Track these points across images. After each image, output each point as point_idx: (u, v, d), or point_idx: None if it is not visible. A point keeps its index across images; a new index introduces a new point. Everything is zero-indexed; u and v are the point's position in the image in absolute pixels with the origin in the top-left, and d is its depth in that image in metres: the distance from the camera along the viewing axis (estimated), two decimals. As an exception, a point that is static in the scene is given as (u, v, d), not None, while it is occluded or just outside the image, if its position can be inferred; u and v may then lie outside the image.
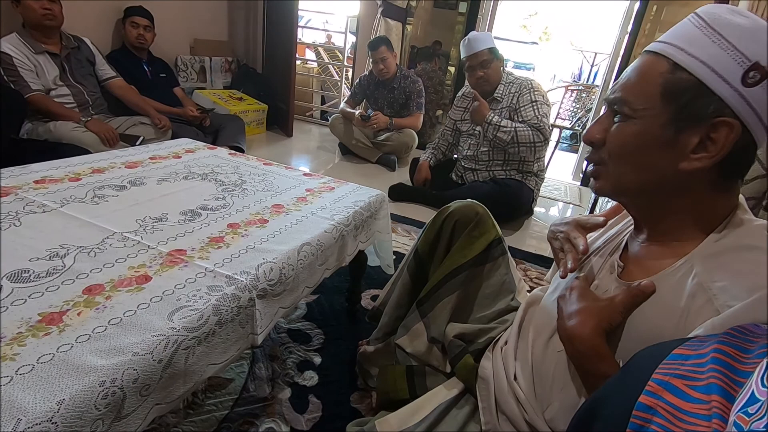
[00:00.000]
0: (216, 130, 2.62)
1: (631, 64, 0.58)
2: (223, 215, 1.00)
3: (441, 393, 0.76)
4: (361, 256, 1.26)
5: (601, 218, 0.72)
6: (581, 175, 3.27)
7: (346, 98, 3.21)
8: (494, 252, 0.88)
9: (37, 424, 0.47)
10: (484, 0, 3.18)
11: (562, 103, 4.63)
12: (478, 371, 0.75)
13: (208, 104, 2.97)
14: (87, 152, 1.63)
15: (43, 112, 1.94)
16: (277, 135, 3.49)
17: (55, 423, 0.48)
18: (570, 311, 0.60)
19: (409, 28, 3.41)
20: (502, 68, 2.24)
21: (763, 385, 0.29)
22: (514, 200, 2.21)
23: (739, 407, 0.29)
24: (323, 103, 4.42)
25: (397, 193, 2.42)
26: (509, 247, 0.93)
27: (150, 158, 1.31)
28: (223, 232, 0.92)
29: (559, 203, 2.85)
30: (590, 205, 2.26)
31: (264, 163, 1.42)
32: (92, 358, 0.55)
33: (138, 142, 2.05)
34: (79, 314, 0.62)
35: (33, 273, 0.70)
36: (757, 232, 0.53)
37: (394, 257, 1.43)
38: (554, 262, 0.79)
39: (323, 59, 4.49)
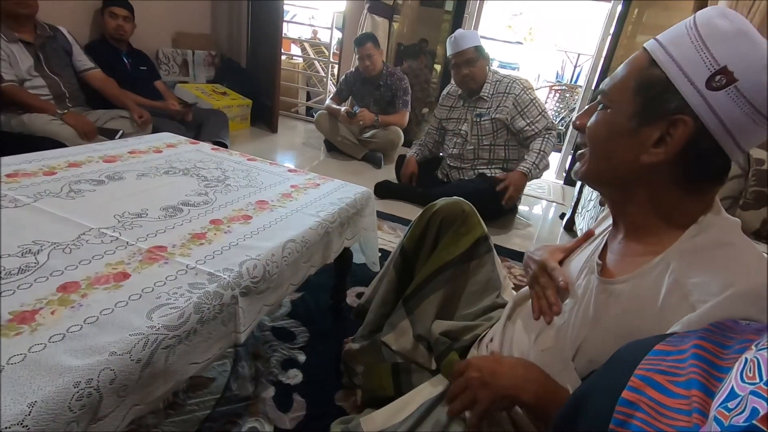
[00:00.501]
0: (198, 125, 2.56)
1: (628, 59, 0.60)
2: (206, 211, 0.98)
3: (426, 390, 0.76)
4: (346, 253, 1.25)
5: (571, 244, 0.75)
6: (564, 175, 3.31)
7: (331, 95, 3.19)
8: (480, 249, 0.88)
9: (7, 428, 0.45)
10: (470, -1, 3.19)
11: (546, 102, 4.69)
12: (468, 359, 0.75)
13: (190, 98, 2.91)
14: (63, 146, 1.58)
15: (17, 103, 1.87)
16: (261, 131, 3.44)
17: (27, 426, 0.46)
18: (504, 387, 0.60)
19: (395, 25, 3.40)
20: (487, 67, 2.25)
21: (742, 380, 0.29)
22: (500, 197, 2.22)
23: (719, 403, 0.30)
24: (309, 99, 4.38)
25: (383, 190, 2.42)
26: (494, 244, 0.94)
27: (129, 152, 1.28)
28: (206, 228, 0.90)
29: (542, 201, 2.88)
30: (572, 204, 2.30)
31: (248, 159, 1.40)
32: (66, 359, 0.53)
33: (117, 136, 1.99)
34: (52, 313, 0.60)
35: (4, 270, 0.67)
36: (732, 229, 0.55)
37: (380, 254, 1.43)
38: None
39: (309, 55, 4.44)
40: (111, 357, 0.55)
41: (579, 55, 6.23)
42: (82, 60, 2.19)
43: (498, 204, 2.24)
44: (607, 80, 0.60)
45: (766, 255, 0.53)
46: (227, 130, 2.69)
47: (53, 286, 0.66)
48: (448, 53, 2.24)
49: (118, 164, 1.17)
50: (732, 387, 0.30)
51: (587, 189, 2.10)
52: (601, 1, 5.61)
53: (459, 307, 0.87)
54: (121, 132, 2.06)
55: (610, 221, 0.70)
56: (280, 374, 1.10)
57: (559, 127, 4.75)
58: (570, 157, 3.27)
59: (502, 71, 2.40)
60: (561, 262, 0.73)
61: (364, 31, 3.13)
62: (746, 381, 0.29)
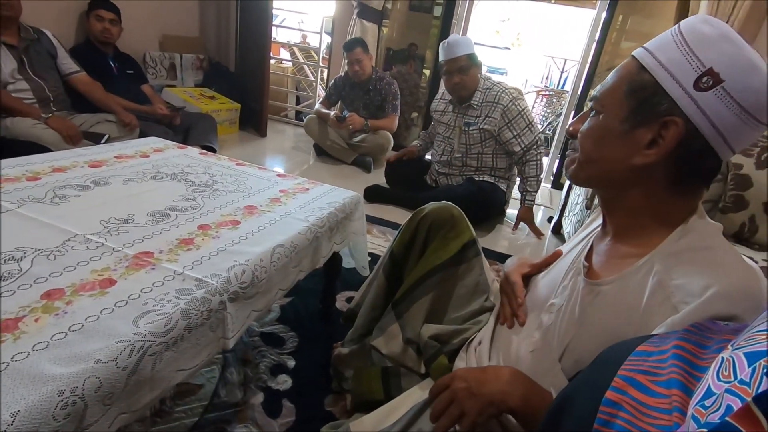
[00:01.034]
0: (186, 129, 2.54)
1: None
2: (193, 216, 0.97)
3: (415, 394, 0.76)
4: (336, 257, 1.25)
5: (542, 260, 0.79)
6: (552, 178, 3.35)
7: (321, 99, 3.19)
8: (469, 253, 0.89)
9: (-12, 438, 0.44)
10: (458, 3, 3.22)
11: (533, 107, 4.75)
12: (452, 371, 0.75)
13: (178, 102, 2.89)
14: (47, 150, 1.56)
15: (0, 107, 1.84)
16: (250, 135, 3.43)
17: (9, 436, 0.45)
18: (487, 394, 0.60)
19: (384, 30, 3.42)
20: (479, 74, 2.22)
21: (718, 379, 0.30)
22: (488, 201, 2.25)
23: (696, 401, 0.31)
24: (298, 103, 4.37)
25: (372, 194, 2.42)
26: (482, 248, 0.95)
27: (116, 157, 1.26)
28: (193, 233, 0.90)
29: (530, 205, 2.91)
30: (560, 207, 2.33)
31: (236, 164, 1.39)
32: (50, 367, 0.52)
33: (103, 141, 1.97)
34: (36, 320, 0.59)
35: (-14, 277, 0.66)
36: (713, 233, 0.56)
37: (370, 259, 1.43)
38: None
39: (298, 59, 4.44)
40: (96, 365, 0.54)
41: (566, 60, 6.34)
42: (67, 63, 2.16)
43: (486, 208, 2.26)
44: (598, 87, 0.62)
45: (746, 258, 0.55)
46: (215, 135, 2.68)
47: (37, 293, 0.65)
48: (440, 59, 2.20)
49: (104, 169, 1.16)
50: (709, 385, 0.31)
51: (574, 193, 2.13)
52: (586, 8, 5.72)
53: (448, 311, 0.88)
54: (107, 136, 2.04)
55: (596, 223, 0.72)
56: (269, 380, 1.09)
57: (547, 132, 4.82)
58: (557, 161, 3.32)
59: (494, 77, 2.39)
60: (528, 276, 0.78)
61: (353, 36, 3.15)
62: (722, 379, 0.30)
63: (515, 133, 2.18)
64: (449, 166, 2.39)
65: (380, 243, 1.94)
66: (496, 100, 2.17)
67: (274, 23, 3.49)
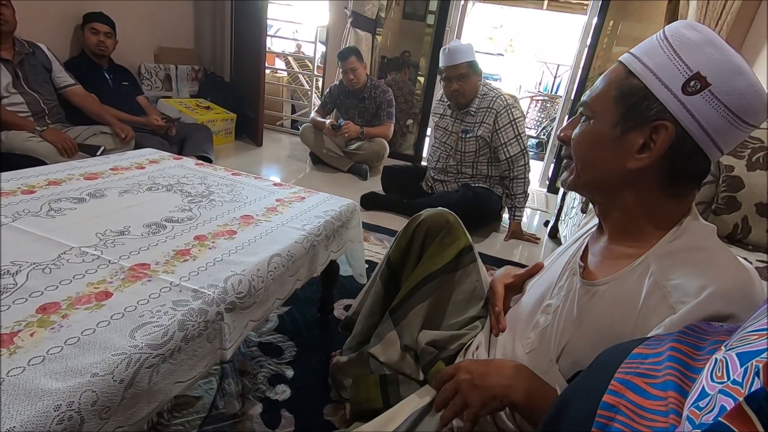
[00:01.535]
0: (182, 140, 2.55)
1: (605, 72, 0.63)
2: (190, 227, 0.97)
3: (414, 401, 0.76)
4: (333, 265, 1.25)
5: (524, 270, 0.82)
6: (547, 182, 3.37)
7: (316, 108, 3.20)
8: (465, 259, 0.89)
9: (-17, 455, 0.44)
10: (451, 11, 3.26)
11: (527, 112, 4.78)
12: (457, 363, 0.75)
13: (173, 113, 2.90)
14: (43, 163, 1.56)
15: (-6, 121, 1.84)
16: (246, 144, 3.43)
17: (5, 453, 0.45)
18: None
19: (378, 38, 3.45)
20: (479, 82, 2.21)
21: (712, 380, 0.30)
22: (484, 207, 2.25)
23: (691, 402, 0.31)
24: (293, 112, 4.39)
25: (368, 201, 2.43)
26: (479, 253, 0.95)
27: (111, 169, 1.26)
28: (190, 244, 0.90)
29: (527, 210, 2.92)
30: (556, 211, 2.34)
31: (232, 174, 1.39)
32: (46, 381, 0.52)
33: (98, 153, 1.97)
34: (32, 335, 0.59)
35: (-20, 292, 0.65)
36: (707, 234, 0.57)
37: (367, 266, 1.43)
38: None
39: (293, 68, 4.47)
40: (93, 378, 0.54)
41: (558, 66, 6.40)
42: (62, 77, 2.16)
43: (482, 214, 2.27)
44: (587, 93, 0.63)
45: (740, 258, 0.55)
46: (211, 145, 2.68)
47: (32, 307, 0.64)
48: (441, 65, 2.18)
49: (100, 181, 1.16)
50: (703, 387, 0.31)
51: (569, 197, 2.14)
52: (577, 14, 5.79)
53: (445, 317, 0.88)
54: (102, 148, 2.04)
55: (592, 224, 0.72)
56: (268, 390, 1.08)
57: (542, 136, 4.85)
58: (552, 166, 3.34)
59: (492, 84, 2.38)
60: (512, 286, 0.81)
61: (347, 45, 3.17)
62: (715, 380, 0.30)
63: (502, 142, 2.20)
64: (445, 173, 2.40)
65: (377, 250, 1.94)
66: (490, 106, 2.19)
67: (268, 33, 3.52)
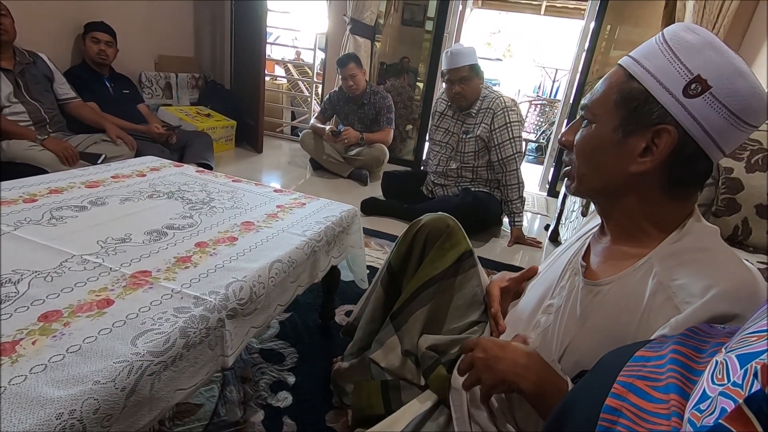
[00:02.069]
0: (182, 147, 2.56)
1: (605, 76, 0.63)
2: (191, 234, 0.98)
3: (415, 406, 0.76)
4: (334, 271, 1.25)
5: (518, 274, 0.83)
6: (547, 186, 3.37)
7: (316, 114, 3.22)
8: (465, 264, 0.89)
9: (-15, 465, 0.43)
10: (450, 17, 3.28)
11: (527, 116, 4.80)
12: (451, 381, 0.75)
13: (174, 121, 2.91)
14: (44, 172, 1.56)
15: (-5, 131, 1.85)
16: (246, 151, 3.44)
17: (7, 462, 0.45)
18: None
19: (377, 44, 3.47)
20: (481, 85, 2.24)
21: (713, 382, 0.30)
22: (484, 211, 2.25)
23: (692, 405, 0.31)
24: (293, 118, 4.41)
25: (369, 207, 2.43)
26: (479, 257, 0.95)
27: (112, 177, 1.27)
28: (191, 251, 0.90)
29: (527, 213, 2.92)
30: (556, 215, 2.34)
31: (233, 180, 1.40)
32: (48, 389, 0.52)
33: (100, 161, 1.98)
34: (33, 343, 0.59)
35: (-18, 301, 0.65)
36: (710, 235, 0.58)
37: (368, 271, 1.43)
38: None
39: (293, 75, 4.49)
40: (94, 386, 0.54)
41: (557, 70, 6.43)
42: (64, 89, 2.18)
43: (482, 218, 2.27)
44: (587, 96, 0.63)
45: (744, 260, 0.56)
46: (212, 152, 2.69)
47: (34, 315, 0.64)
48: (443, 67, 2.21)
49: (101, 189, 1.16)
50: (704, 389, 0.31)
51: (570, 201, 2.14)
52: (575, 19, 5.83)
53: (446, 322, 0.88)
54: (103, 156, 2.04)
55: (593, 223, 0.73)
56: (270, 397, 1.08)
57: (541, 140, 4.86)
58: (552, 170, 3.34)
59: (494, 89, 2.39)
60: (507, 288, 0.82)
61: (346, 52, 3.19)
62: (716, 383, 0.30)
63: (496, 143, 2.21)
64: (445, 177, 2.41)
65: (378, 255, 1.94)
66: (489, 106, 2.21)
67: (268, 41, 3.54)
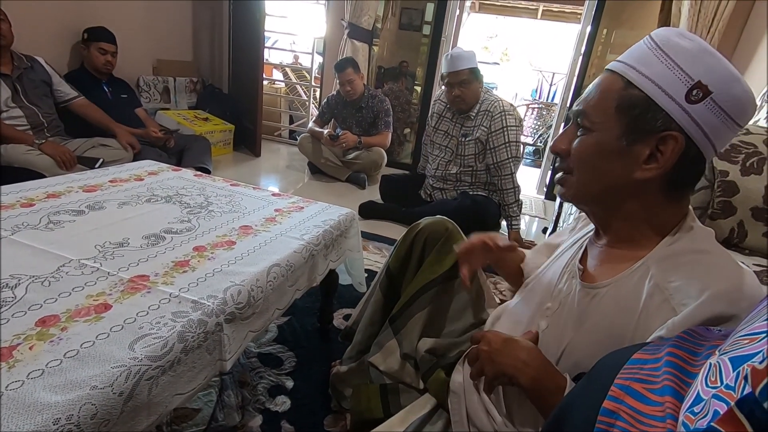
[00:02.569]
0: (180, 151, 2.56)
1: (593, 81, 0.62)
2: (189, 238, 0.98)
3: (414, 410, 0.76)
4: (332, 275, 1.25)
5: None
6: (545, 189, 3.39)
7: (314, 118, 3.22)
8: (463, 267, 0.89)
9: (-18, 470, 0.43)
10: (447, 21, 3.30)
11: (524, 120, 4.81)
12: (450, 385, 0.75)
13: (171, 125, 2.91)
14: (42, 176, 1.56)
15: (-6, 135, 1.84)
16: (244, 155, 3.45)
17: (4, 467, 0.45)
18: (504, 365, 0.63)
19: (375, 49, 3.49)
20: (480, 88, 2.25)
21: (706, 385, 0.31)
22: (482, 214, 2.26)
23: (686, 407, 0.31)
24: (291, 122, 4.41)
25: (367, 210, 2.43)
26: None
27: (110, 181, 1.27)
28: (189, 255, 0.90)
29: (525, 216, 2.93)
30: (554, 218, 2.34)
31: (231, 184, 1.40)
32: (45, 395, 0.52)
33: (97, 165, 1.97)
34: (31, 348, 0.59)
35: (-20, 306, 0.65)
36: (706, 237, 0.58)
37: (366, 275, 1.43)
38: None
39: (291, 79, 4.50)
40: (92, 391, 0.54)
41: (554, 74, 6.47)
42: (64, 90, 2.18)
43: (481, 221, 2.27)
44: (579, 102, 0.62)
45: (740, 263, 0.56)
46: (210, 156, 2.69)
47: (31, 320, 0.64)
48: (443, 71, 2.23)
49: (99, 193, 1.16)
50: (698, 391, 0.31)
51: (567, 204, 2.15)
52: (571, 23, 5.87)
53: (445, 325, 0.88)
54: (101, 160, 2.04)
55: (590, 227, 0.73)
56: (268, 402, 1.08)
57: (539, 144, 4.88)
58: (549, 173, 3.35)
59: (493, 93, 2.40)
60: (488, 248, 0.84)
61: (344, 56, 3.20)
62: (710, 385, 0.30)
63: (492, 146, 2.22)
64: (444, 181, 2.41)
65: (376, 259, 1.94)
66: (488, 109, 2.22)
67: (266, 45, 3.55)
